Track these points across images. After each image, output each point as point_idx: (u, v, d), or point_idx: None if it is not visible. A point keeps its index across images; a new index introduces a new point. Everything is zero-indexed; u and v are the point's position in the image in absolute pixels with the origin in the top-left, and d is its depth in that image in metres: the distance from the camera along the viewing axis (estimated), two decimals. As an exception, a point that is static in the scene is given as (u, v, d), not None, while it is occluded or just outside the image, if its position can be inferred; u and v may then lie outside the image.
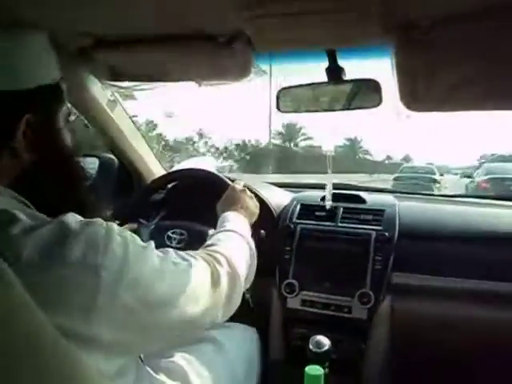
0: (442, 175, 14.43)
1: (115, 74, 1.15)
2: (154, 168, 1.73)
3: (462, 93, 0.85)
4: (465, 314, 1.31)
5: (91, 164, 1.68)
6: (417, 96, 0.89)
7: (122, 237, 0.62)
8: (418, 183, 10.97)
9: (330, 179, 1.47)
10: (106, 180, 1.69)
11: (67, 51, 1.09)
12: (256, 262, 0.99)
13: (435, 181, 12.10)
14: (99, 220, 0.62)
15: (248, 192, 1.22)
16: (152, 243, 0.69)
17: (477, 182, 9.97)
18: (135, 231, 1.31)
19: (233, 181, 1.32)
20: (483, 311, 1.29)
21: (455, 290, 1.30)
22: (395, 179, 12.28)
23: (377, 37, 0.89)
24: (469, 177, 11.00)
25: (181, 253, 0.75)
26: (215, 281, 0.77)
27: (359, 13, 0.80)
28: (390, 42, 0.88)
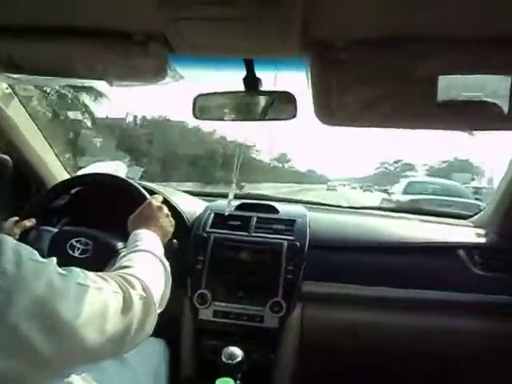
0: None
1: (12, 65, 1.02)
2: (57, 171, 1.59)
3: (373, 111, 0.90)
4: (370, 320, 1.39)
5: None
6: (330, 111, 0.93)
7: (15, 252, 0.54)
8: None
9: (233, 186, 1.47)
10: (-2, 182, 1.51)
11: None
12: (170, 283, 0.93)
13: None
14: None
15: (165, 209, 1.12)
16: (54, 260, 0.62)
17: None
18: (35, 236, 1.18)
19: (151, 193, 1.25)
20: (388, 317, 1.39)
21: (361, 297, 1.38)
22: (412, 202, 7.20)
23: (294, 51, 0.91)
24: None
25: (90, 274, 0.68)
26: (127, 306, 0.71)
27: (279, 25, 0.80)
28: (307, 57, 0.90)
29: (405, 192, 8.24)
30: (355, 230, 1.54)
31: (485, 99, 0.91)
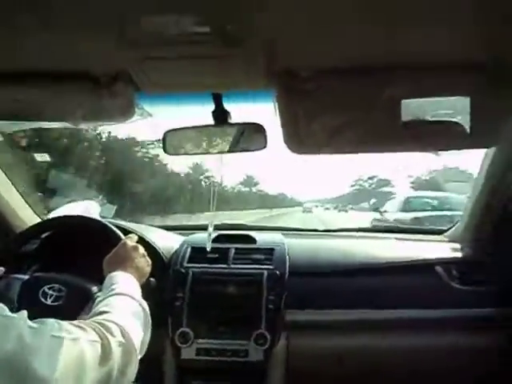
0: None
1: None
2: (26, 215, 1.54)
3: (340, 138, 0.92)
4: (355, 345, 1.38)
5: None
6: (299, 140, 0.94)
7: None
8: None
9: (211, 220, 1.45)
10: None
11: None
12: (150, 326, 0.90)
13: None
14: None
15: (141, 249, 1.10)
16: (24, 313, 0.60)
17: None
18: (5, 285, 1.14)
19: (125, 232, 1.22)
20: (372, 340, 1.38)
21: (344, 322, 1.37)
22: (414, 221, 6.32)
23: (260, 83, 0.92)
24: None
25: (65, 324, 0.66)
26: (106, 355, 0.68)
27: (244, 60, 0.82)
28: (273, 88, 0.92)
29: (403, 209, 7.32)
30: (333, 254, 1.54)
31: (447, 119, 0.95)
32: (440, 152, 1.02)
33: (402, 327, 1.39)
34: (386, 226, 3.98)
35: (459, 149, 0.98)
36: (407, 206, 7.37)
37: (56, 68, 0.90)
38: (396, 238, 1.75)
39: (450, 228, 1.75)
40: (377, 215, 8.29)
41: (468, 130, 0.90)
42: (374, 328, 1.39)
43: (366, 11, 0.68)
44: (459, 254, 1.53)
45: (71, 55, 0.85)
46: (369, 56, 0.84)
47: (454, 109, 0.96)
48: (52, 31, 0.74)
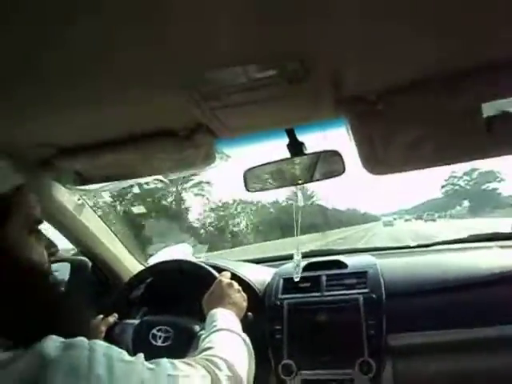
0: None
1: (81, 179, 1.15)
2: (130, 265, 1.68)
3: (419, 153, 0.90)
4: (465, 367, 1.27)
5: (62, 270, 1.62)
6: (377, 161, 0.94)
7: (106, 356, 0.58)
8: None
9: (297, 248, 1.44)
10: (80, 284, 1.62)
11: (28, 162, 1.09)
12: (254, 357, 0.92)
13: None
14: (81, 341, 0.58)
15: (235, 285, 1.14)
16: (141, 356, 0.65)
17: None
18: (120, 330, 1.25)
19: (219, 270, 1.28)
20: (481, 360, 1.26)
21: (453, 342, 1.27)
22: None
23: (330, 113, 0.94)
24: None
25: (177, 362, 0.70)
26: None
27: (310, 93, 0.85)
28: (343, 115, 0.93)
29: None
30: (430, 271, 1.45)
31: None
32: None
33: None
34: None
35: None
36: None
37: (144, 130, 1.01)
38: (499, 246, 1.60)
39: None
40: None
41: None
42: (484, 347, 1.26)
43: (426, 24, 0.66)
44: None
45: (152, 116, 0.94)
46: (436, 66, 0.81)
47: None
48: (130, 98, 0.82)
